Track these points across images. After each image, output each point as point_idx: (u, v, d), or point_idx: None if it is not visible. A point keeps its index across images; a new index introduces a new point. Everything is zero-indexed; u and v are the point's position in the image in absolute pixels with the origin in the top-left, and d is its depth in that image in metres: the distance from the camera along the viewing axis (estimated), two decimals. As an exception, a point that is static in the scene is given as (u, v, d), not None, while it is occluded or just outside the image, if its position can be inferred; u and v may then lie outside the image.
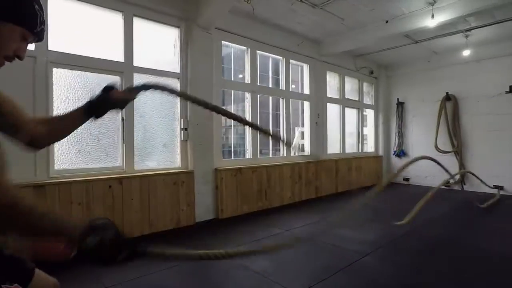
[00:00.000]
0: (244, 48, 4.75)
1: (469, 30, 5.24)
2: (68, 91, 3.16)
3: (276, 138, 5.13)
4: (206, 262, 2.73)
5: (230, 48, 4.94)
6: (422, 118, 7.12)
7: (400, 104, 7.55)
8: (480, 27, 5.09)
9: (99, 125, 3.36)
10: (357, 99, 7.18)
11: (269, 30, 4.96)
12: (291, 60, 5.46)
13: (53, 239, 0.82)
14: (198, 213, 3.96)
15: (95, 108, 1.07)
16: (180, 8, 3.87)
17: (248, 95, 4.76)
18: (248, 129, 4.82)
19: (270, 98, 5.39)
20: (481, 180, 5.76)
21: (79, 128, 1.12)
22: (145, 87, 1.13)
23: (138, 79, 3.61)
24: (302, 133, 6.70)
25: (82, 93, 3.23)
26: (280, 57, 5.31)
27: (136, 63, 3.59)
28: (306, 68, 5.82)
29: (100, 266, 0.77)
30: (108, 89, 1.06)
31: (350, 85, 7.00)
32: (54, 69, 3.05)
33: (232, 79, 5.11)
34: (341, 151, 6.63)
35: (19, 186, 0.73)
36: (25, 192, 0.74)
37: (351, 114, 7.05)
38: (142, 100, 3.67)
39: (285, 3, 4.22)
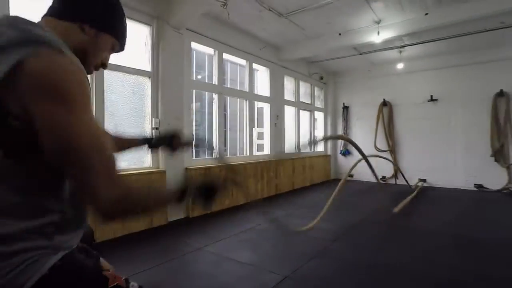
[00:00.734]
0: (212, 50, 4.85)
1: (403, 47, 6.14)
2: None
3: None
4: (195, 251, 2.79)
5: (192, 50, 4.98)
6: (364, 121, 8.04)
7: (346, 108, 8.41)
8: (411, 45, 6.03)
9: (67, 123, 3.17)
10: (309, 102, 7.78)
11: (236, 34, 5.15)
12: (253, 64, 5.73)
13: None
14: (170, 212, 3.96)
15: (155, 145, 1.26)
16: (152, 6, 3.82)
17: (215, 96, 4.88)
18: (215, 129, 4.92)
19: (238, 100, 5.57)
20: (404, 177, 6.81)
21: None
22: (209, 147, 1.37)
23: (109, 76, 3.48)
24: (258, 134, 7.01)
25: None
26: (244, 60, 5.53)
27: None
28: (266, 72, 6.14)
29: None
30: (172, 137, 1.27)
31: (304, 89, 7.57)
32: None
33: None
34: (297, 151, 7.13)
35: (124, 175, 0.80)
36: (129, 181, 0.83)
37: (304, 116, 7.62)
38: (113, 99, 3.54)
39: (254, 10, 4.46)
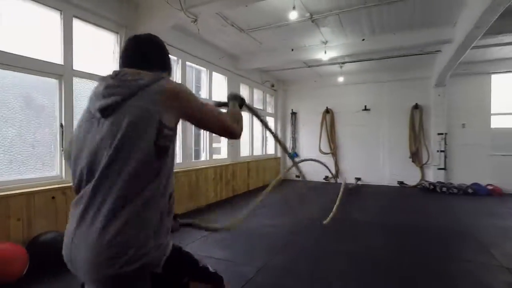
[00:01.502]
0: (175, 58, 5.00)
1: (344, 63, 7.06)
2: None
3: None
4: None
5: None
6: (310, 126, 8.89)
7: (294, 114, 9.18)
8: (350, 62, 6.97)
9: (34, 132, 3.10)
10: (262, 108, 8.33)
11: (199, 44, 5.38)
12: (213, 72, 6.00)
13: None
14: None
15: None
16: (120, 14, 3.86)
17: (179, 103, 5.04)
18: (179, 135, 5.09)
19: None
20: (331, 173, 7.83)
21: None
22: None
23: (78, 83, 3.46)
24: (214, 137, 7.31)
25: (15, 95, 2.92)
26: (204, 69, 5.78)
27: (76, 66, 3.43)
28: (224, 80, 6.47)
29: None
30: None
31: (257, 95, 8.08)
32: (-17, 69, 2.68)
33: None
34: (251, 154, 7.61)
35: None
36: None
37: (257, 121, 8.13)
38: (81, 105, 3.52)
39: (217, 24, 4.76)
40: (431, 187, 7.10)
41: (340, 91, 8.49)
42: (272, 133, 2.03)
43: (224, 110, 1.26)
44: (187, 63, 5.22)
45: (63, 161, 3.28)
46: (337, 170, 8.48)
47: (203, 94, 5.87)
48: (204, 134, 5.87)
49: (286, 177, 9.19)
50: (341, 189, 4.55)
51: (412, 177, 7.73)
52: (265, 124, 1.91)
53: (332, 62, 6.90)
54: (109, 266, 0.82)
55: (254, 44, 5.76)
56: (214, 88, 5.98)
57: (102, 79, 1.02)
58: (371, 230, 4.06)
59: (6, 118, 2.88)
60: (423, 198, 6.41)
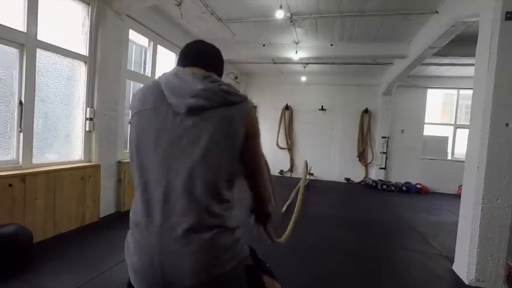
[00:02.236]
0: (147, 40, 4.68)
1: (308, 63, 7.39)
2: None
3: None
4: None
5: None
6: (270, 121, 9.11)
7: (255, 108, 9.27)
8: (314, 64, 7.33)
9: (-13, 108, 2.66)
10: (224, 99, 8.25)
11: (171, 27, 5.10)
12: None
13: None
14: (102, 208, 3.77)
15: None
16: (93, -15, 3.48)
17: (148, 88, 4.74)
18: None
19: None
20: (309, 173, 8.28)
21: None
22: None
23: (42, 56, 3.04)
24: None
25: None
26: (174, 53, 5.52)
27: (41, 36, 3.00)
28: (193, 67, 6.25)
29: None
30: None
31: (221, 86, 7.97)
32: None
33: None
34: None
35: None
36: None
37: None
38: (44, 82, 3.11)
39: (197, 10, 4.59)
40: (374, 184, 7.94)
41: (300, 90, 8.86)
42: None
43: None
44: (158, 46, 4.92)
45: (21, 142, 2.88)
46: (292, 165, 8.91)
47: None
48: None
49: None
50: (299, 198, 4.83)
51: (357, 174, 8.54)
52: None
53: (297, 61, 7.17)
54: (213, 268, 0.83)
55: (228, 35, 5.68)
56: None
57: (188, 75, 0.96)
58: (325, 223, 4.42)
59: (-46, 89, 2.42)
60: (367, 194, 7.15)
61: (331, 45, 5.84)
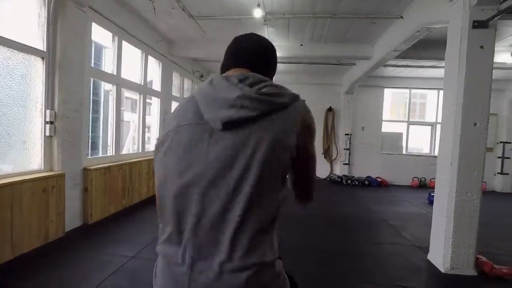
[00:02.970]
0: (111, 34, 4.29)
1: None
2: None
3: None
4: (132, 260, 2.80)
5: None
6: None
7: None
8: (281, 63, 7.38)
9: None
10: (190, 98, 7.96)
11: (136, 21, 4.74)
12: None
13: None
14: (67, 221, 3.37)
15: None
16: (51, -30, 3.07)
17: (113, 88, 4.36)
18: (111, 124, 4.41)
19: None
20: None
21: None
22: None
23: (-8, 52, 2.60)
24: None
25: None
26: (140, 51, 5.15)
27: (-11, 28, 2.57)
28: (158, 66, 5.91)
29: None
30: None
31: (186, 85, 7.67)
32: None
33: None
34: (179, 146, 7.22)
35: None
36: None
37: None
38: (-5, 81, 2.67)
39: (167, 5, 4.31)
40: (339, 179, 8.30)
41: (266, 89, 8.88)
42: None
43: None
44: (123, 42, 4.54)
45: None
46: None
47: (138, 79, 5.21)
48: (140, 122, 5.25)
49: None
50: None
51: (323, 170, 8.84)
52: None
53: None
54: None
55: (197, 32, 5.46)
56: (149, 74, 5.40)
57: (223, 80, 0.81)
58: (299, 221, 4.48)
59: None
60: (334, 189, 7.44)
61: (301, 45, 5.93)
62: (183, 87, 7.27)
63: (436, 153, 8.96)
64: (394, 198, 6.57)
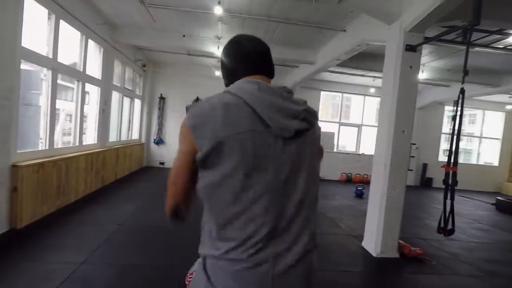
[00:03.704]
0: (46, 11, 3.76)
1: (223, 59, 7.43)
2: None
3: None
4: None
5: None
6: (178, 112, 8.73)
7: (162, 99, 8.72)
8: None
9: None
10: (131, 88, 7.43)
11: (77, 1, 4.24)
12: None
13: None
14: (-8, 226, 2.91)
15: None
16: None
17: (48, 73, 3.84)
18: (44, 115, 3.89)
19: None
20: None
21: None
22: None
23: None
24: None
25: None
26: (80, 33, 4.62)
27: None
28: (99, 52, 5.38)
29: None
30: None
31: (127, 74, 7.14)
32: None
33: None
34: (118, 139, 6.71)
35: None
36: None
37: (126, 103, 7.21)
38: None
39: (116, -12, 3.98)
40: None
41: (212, 84, 8.77)
42: None
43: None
44: (61, 21, 4.03)
45: None
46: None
47: (76, 65, 4.67)
48: (77, 113, 4.72)
49: (149, 164, 8.72)
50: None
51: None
52: None
53: (216, 56, 7.12)
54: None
55: (147, 20, 5.14)
56: (89, 60, 4.90)
57: (274, 90, 0.86)
58: None
59: None
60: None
61: (252, 45, 6.06)
62: (124, 76, 6.75)
63: (360, 152, 10.22)
64: (328, 192, 7.26)
